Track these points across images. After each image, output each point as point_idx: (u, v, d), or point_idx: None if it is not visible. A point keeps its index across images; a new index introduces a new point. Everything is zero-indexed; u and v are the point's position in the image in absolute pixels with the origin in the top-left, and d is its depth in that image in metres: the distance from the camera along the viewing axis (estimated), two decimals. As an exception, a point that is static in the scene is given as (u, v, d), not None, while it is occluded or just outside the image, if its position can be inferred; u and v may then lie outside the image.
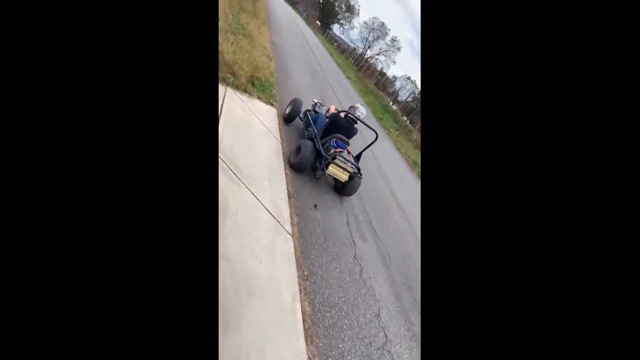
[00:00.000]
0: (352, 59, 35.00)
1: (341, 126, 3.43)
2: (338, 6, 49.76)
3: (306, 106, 4.15)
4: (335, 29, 51.09)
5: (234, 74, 3.49)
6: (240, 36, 4.95)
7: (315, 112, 3.91)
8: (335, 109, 3.64)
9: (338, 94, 8.74)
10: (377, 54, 50.26)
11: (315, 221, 2.76)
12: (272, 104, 4.03)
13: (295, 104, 3.85)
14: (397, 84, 49.36)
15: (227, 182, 2.17)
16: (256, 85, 3.91)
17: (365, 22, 52.24)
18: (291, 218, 2.48)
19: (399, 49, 50.36)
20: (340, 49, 35.21)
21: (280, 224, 2.30)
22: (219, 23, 4.39)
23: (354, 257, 2.77)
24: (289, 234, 2.31)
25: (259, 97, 3.79)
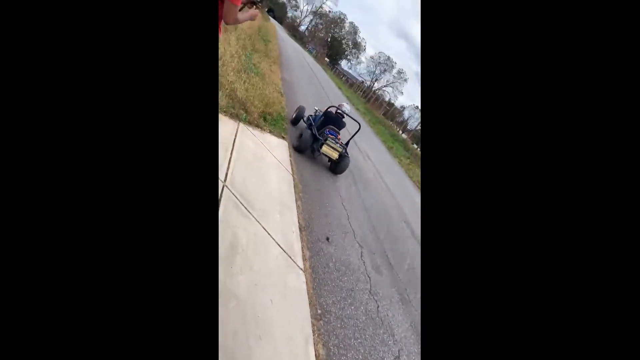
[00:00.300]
0: (360, 91, 36.10)
1: (332, 119, 4.58)
2: (345, 43, 52.42)
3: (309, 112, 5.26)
4: (343, 64, 53.48)
5: (246, 111, 3.61)
6: (253, 74, 5.19)
7: (316, 115, 4.99)
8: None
9: (349, 127, 8.89)
10: (384, 86, 51.85)
11: (328, 255, 2.67)
12: (283, 137, 4.10)
13: (300, 109, 5.02)
14: (406, 114, 50.28)
15: (238, 216, 2.15)
16: (268, 120, 4.02)
17: (371, 57, 54.58)
18: (303, 252, 2.41)
19: (405, 80, 51.98)
20: (349, 83, 36.51)
21: (292, 259, 2.23)
22: (232, 64, 4.64)
23: (370, 292, 2.63)
24: (301, 269, 2.23)
25: (270, 131, 3.88)
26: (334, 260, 2.67)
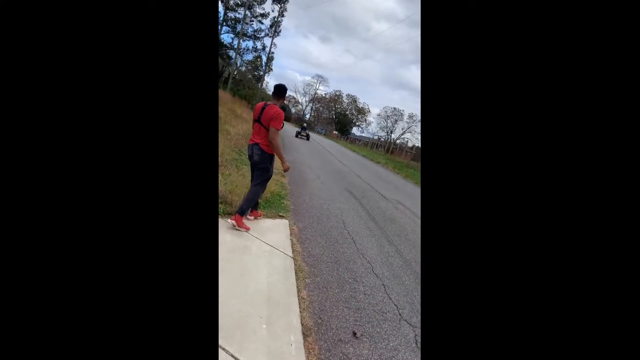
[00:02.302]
0: (381, 147, 36.33)
1: (303, 128, 22.57)
2: (350, 113, 55.72)
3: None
4: (355, 130, 55.89)
5: (225, 202, 3.14)
6: (242, 166, 4.96)
7: (300, 129, 22.26)
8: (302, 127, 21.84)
9: (368, 179, 8.24)
10: (402, 134, 52.29)
11: (359, 362, 1.72)
12: (281, 216, 3.51)
13: (297, 131, 22.41)
14: (433, 150, 49.05)
15: None
16: (259, 203, 3.50)
17: (378, 114, 56.89)
18: (311, 375, 1.52)
19: (419, 121, 52.26)
20: (367, 144, 37.19)
21: (290, 397, 1.36)
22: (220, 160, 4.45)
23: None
24: (309, 411, 1.33)
25: (261, 215, 3.31)
26: (371, 367, 1.70)
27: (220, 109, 12.21)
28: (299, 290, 2.18)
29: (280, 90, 2.90)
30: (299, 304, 2.03)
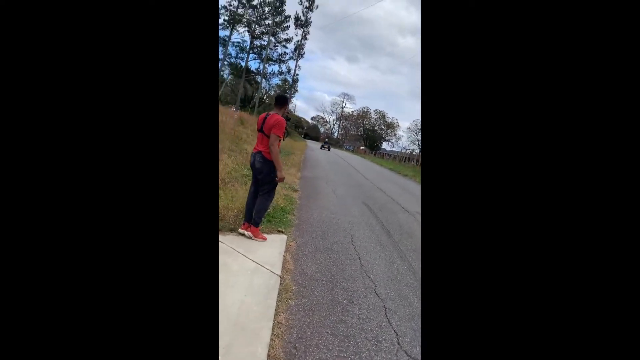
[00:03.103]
0: (412, 161, 35.19)
1: (326, 143, 37.34)
2: (379, 128, 55.18)
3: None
4: (385, 145, 55.02)
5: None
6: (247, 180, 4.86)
7: (324, 143, 37.40)
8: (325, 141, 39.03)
9: (390, 191, 7.78)
10: (434, 146, 50.39)
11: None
12: (280, 231, 3.29)
13: (322, 144, 35.35)
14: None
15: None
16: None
17: (408, 128, 55.80)
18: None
19: (451, 132, 50.29)
20: (397, 159, 36.32)
21: None
22: (221, 176, 4.39)
23: None
24: None
25: (257, 230, 3.11)
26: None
27: (244, 130, 12.56)
28: (276, 314, 1.90)
29: (281, 100, 2.94)
30: (272, 330, 1.75)
